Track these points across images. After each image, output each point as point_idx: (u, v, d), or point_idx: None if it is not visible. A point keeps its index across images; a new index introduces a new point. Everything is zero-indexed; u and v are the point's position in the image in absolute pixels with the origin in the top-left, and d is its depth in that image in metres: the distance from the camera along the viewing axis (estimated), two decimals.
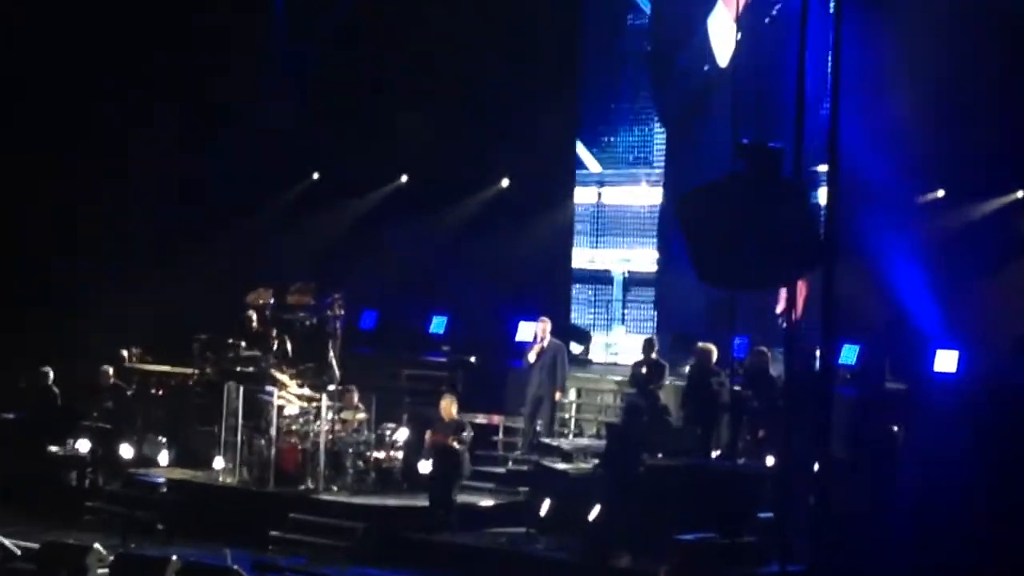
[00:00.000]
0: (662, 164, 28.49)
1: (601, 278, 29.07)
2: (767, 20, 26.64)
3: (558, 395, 25.36)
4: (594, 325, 29.08)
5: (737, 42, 27.09)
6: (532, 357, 25.05)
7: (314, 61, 31.03)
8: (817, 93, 18.18)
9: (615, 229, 29.09)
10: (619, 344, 28.55)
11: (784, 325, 23.80)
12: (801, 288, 24.62)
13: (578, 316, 29.21)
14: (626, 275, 28.85)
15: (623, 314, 28.81)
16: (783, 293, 23.99)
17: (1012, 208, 24.98)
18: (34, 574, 20.81)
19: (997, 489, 21.17)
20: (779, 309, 23.97)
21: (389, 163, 30.46)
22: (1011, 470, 21.23)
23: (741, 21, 26.39)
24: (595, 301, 29.08)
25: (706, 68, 27.83)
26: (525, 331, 27.72)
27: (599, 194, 29.15)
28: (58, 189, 28.99)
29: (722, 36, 27.75)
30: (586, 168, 29.45)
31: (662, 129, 28.79)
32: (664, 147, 28.67)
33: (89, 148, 28.95)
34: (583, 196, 29.43)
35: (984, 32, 24.26)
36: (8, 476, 26.00)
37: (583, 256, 29.40)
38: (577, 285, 29.46)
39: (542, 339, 25.16)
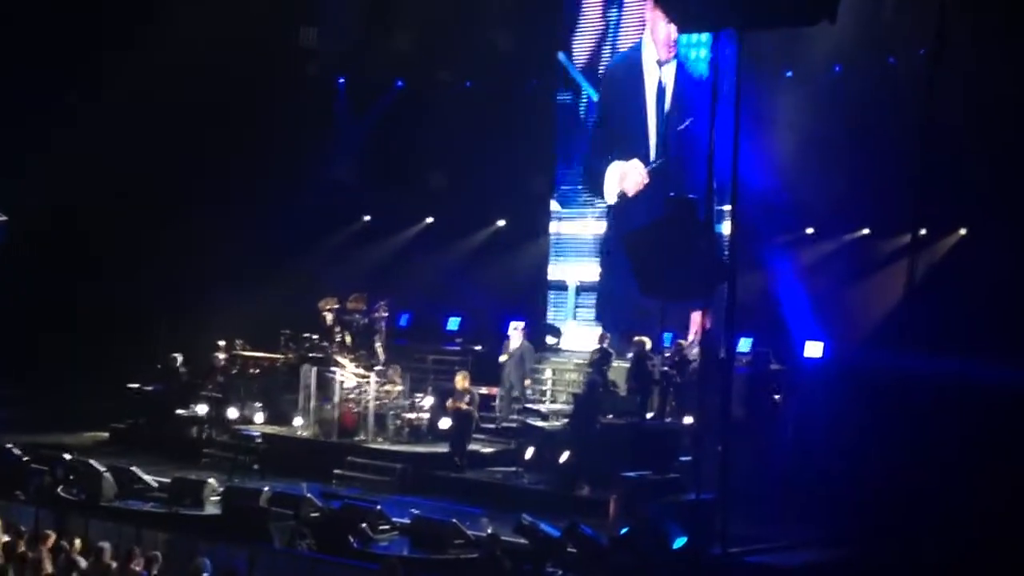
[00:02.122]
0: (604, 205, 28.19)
1: (559, 286, 28.70)
2: (680, 127, 26.52)
3: (527, 382, 25.18)
4: (554, 319, 28.78)
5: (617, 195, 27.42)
6: (505, 357, 24.71)
7: (368, 134, 30.96)
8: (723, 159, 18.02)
9: (570, 251, 28.71)
10: (571, 333, 28.23)
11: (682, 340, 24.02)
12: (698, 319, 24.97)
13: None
14: (578, 283, 28.53)
15: (575, 312, 28.51)
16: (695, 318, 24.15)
17: (862, 240, 24.94)
18: (166, 500, 20.82)
19: (850, 438, 21.09)
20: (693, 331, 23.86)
21: (420, 209, 30.43)
22: (859, 425, 21.14)
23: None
24: (555, 302, 28.78)
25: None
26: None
27: (559, 226, 28.81)
28: (188, 226, 28.89)
29: (611, 183, 27.72)
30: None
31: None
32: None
33: (215, 196, 28.84)
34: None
35: (843, 103, 24.20)
36: (149, 431, 25.96)
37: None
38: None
39: (515, 339, 24.88)
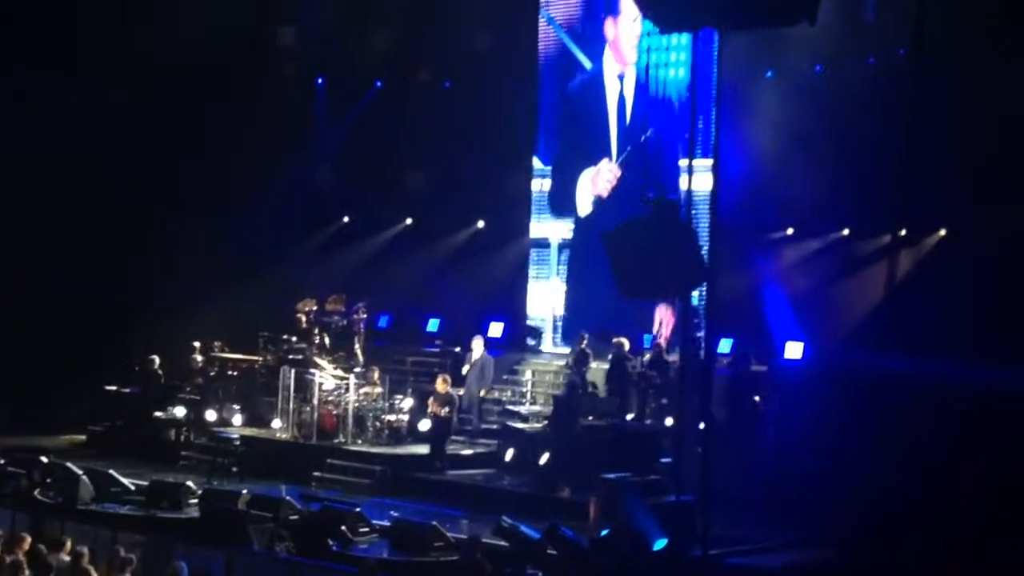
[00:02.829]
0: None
1: (541, 243, 28.89)
2: (642, 139, 26.63)
3: (483, 392, 24.90)
4: (536, 276, 28.88)
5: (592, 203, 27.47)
6: (467, 368, 24.58)
7: (347, 134, 30.93)
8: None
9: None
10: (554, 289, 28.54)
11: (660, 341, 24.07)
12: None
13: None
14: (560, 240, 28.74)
15: (558, 269, 28.67)
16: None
17: (842, 241, 24.98)
18: (144, 503, 20.77)
19: (831, 439, 21.12)
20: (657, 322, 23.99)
21: (399, 210, 30.42)
22: (840, 425, 21.18)
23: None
24: (538, 260, 28.90)
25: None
26: (494, 329, 27.77)
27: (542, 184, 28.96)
28: (166, 227, 28.82)
29: (583, 191, 27.80)
30: None
31: None
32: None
33: (193, 197, 28.80)
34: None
35: (824, 103, 24.25)
36: (126, 433, 25.89)
37: None
38: None
39: (476, 351, 24.71)
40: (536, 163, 28.77)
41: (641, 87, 27.06)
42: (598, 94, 27.68)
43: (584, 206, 27.75)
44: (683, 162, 25.50)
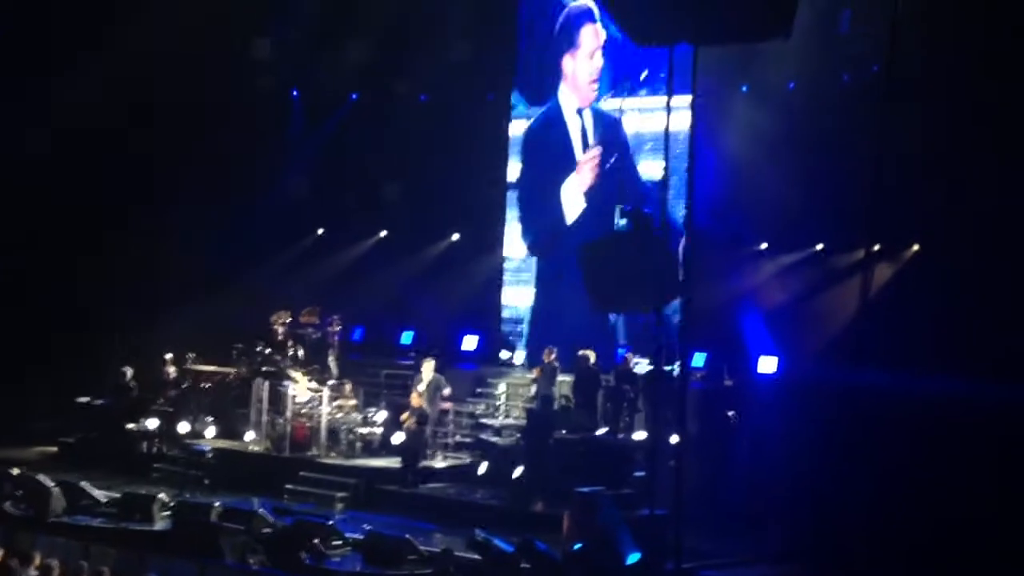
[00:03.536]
0: None
1: None
2: (607, 166, 27.00)
3: (445, 404, 24.55)
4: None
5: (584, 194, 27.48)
6: (421, 387, 24.12)
7: (322, 147, 30.93)
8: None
9: None
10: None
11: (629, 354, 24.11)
12: None
13: None
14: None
15: None
16: None
17: (816, 256, 25.07)
18: (115, 515, 20.72)
19: (804, 452, 21.20)
20: None
21: (374, 222, 30.41)
22: (814, 440, 21.25)
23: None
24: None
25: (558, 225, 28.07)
26: (468, 342, 27.80)
27: None
28: (140, 238, 28.82)
29: (572, 199, 27.80)
30: None
31: None
32: None
33: (166, 209, 28.78)
34: None
35: (798, 119, 24.35)
36: (98, 445, 25.80)
37: None
38: None
39: (427, 374, 24.19)
40: (511, 174, 28.81)
41: (599, 116, 27.51)
42: (560, 129, 28.07)
43: (574, 209, 27.77)
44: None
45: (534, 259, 28.48)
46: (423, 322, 28.55)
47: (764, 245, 25.57)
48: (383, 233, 30.44)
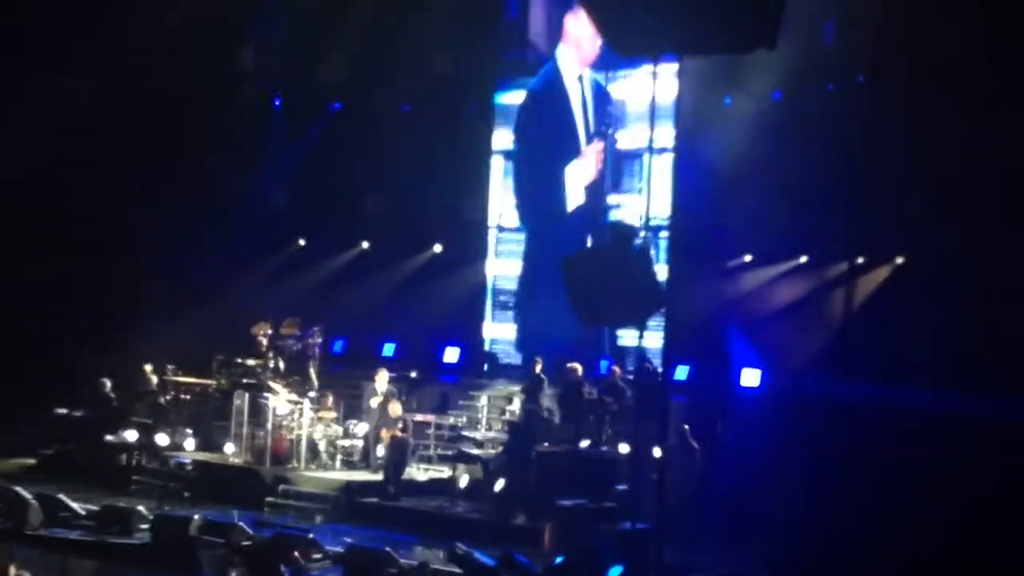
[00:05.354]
0: None
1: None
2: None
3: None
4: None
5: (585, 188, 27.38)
6: (374, 403, 24.06)
7: (303, 158, 30.89)
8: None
9: None
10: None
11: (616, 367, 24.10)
12: None
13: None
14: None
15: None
16: None
17: (799, 268, 25.08)
18: (94, 528, 20.61)
19: (786, 464, 21.21)
20: None
21: (355, 233, 30.35)
22: (796, 452, 21.27)
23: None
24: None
25: (559, 209, 27.80)
26: (450, 354, 27.79)
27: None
28: (119, 248, 28.73)
29: (573, 184, 27.68)
30: None
31: None
32: None
33: (146, 219, 28.77)
34: None
35: (783, 129, 24.37)
36: (77, 457, 25.68)
37: None
38: None
39: (380, 385, 24.14)
40: (493, 186, 28.78)
41: (598, 88, 27.28)
42: (560, 96, 27.77)
43: (575, 198, 27.61)
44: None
45: (518, 274, 28.42)
46: (404, 334, 28.50)
47: (748, 257, 25.56)
48: (365, 244, 30.39)
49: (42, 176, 27.87)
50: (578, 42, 27.44)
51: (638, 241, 16.80)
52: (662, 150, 21.02)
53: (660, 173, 24.82)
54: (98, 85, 27.10)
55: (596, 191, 27.20)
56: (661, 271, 18.76)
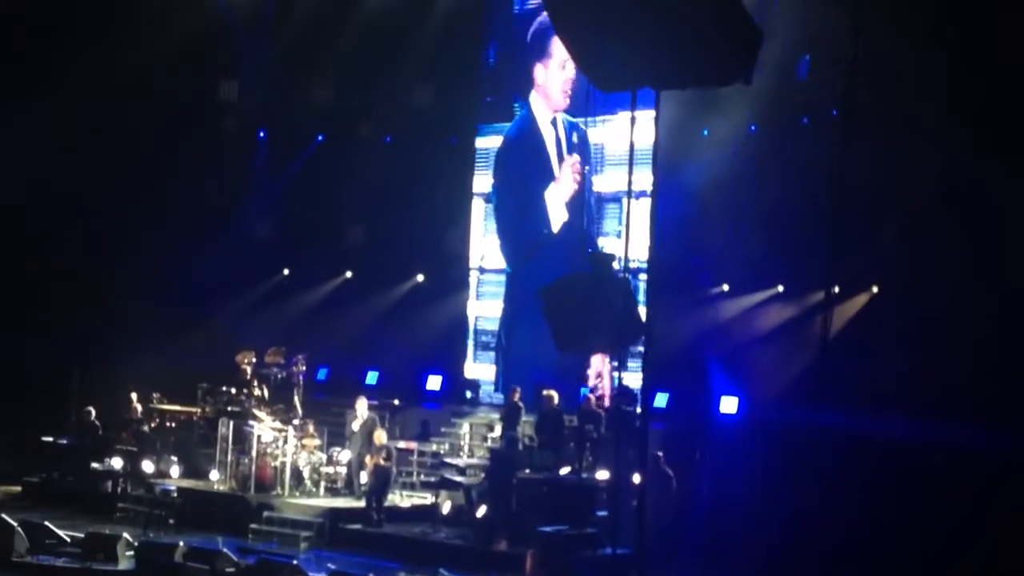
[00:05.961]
0: None
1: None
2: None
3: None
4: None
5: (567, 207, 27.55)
6: (356, 427, 24.11)
7: (288, 187, 31.05)
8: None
9: None
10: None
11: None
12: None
13: None
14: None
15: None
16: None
17: (775, 298, 25.26)
18: (79, 555, 20.64)
19: (766, 490, 21.33)
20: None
21: (339, 263, 30.51)
22: (775, 480, 21.39)
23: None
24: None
25: (545, 232, 27.84)
26: (433, 382, 27.93)
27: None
28: (105, 277, 28.83)
29: (554, 204, 27.85)
30: None
31: None
32: None
33: (132, 248, 28.93)
34: None
35: (758, 165, 24.57)
36: (62, 485, 25.73)
37: None
38: None
39: (361, 413, 24.16)
40: (475, 216, 28.96)
41: (570, 125, 27.59)
42: (535, 138, 28.08)
43: (558, 217, 27.77)
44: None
45: (498, 315, 28.56)
46: (387, 362, 28.63)
47: (725, 287, 25.75)
48: (348, 274, 30.55)
49: (30, 204, 27.98)
50: (545, 91, 27.92)
51: (617, 266, 17.01)
52: (641, 194, 21.24)
53: (639, 216, 25.01)
54: (84, 115, 27.24)
55: (576, 208, 27.43)
56: (641, 311, 18.98)
